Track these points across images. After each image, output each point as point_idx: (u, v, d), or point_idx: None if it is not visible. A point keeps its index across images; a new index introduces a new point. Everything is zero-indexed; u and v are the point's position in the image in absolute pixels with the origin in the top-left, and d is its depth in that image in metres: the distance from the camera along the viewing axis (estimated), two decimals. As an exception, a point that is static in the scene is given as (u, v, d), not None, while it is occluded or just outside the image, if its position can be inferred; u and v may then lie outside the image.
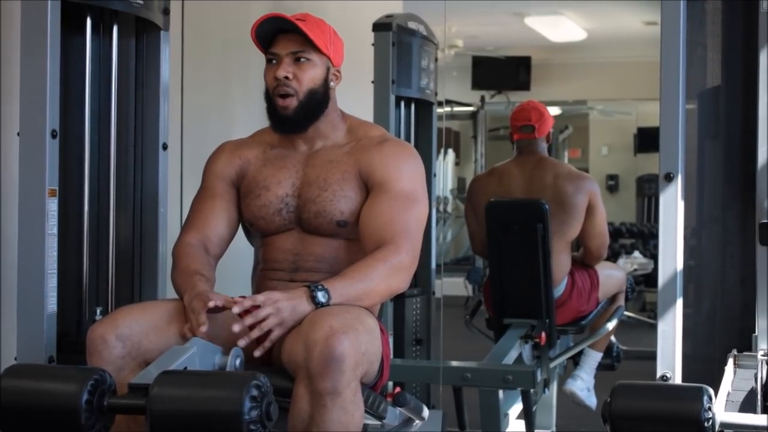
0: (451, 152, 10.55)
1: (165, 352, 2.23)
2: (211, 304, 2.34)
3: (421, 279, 4.23)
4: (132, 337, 2.33)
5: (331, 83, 2.66)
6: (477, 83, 10.78)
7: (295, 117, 2.62)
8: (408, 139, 4.22)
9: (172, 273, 2.60)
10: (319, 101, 2.64)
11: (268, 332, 2.32)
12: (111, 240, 2.84)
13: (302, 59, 2.61)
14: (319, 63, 2.63)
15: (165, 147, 2.96)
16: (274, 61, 2.63)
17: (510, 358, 3.84)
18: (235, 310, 2.31)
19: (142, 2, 2.82)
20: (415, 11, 4.28)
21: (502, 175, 4.34)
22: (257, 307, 2.32)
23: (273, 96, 2.62)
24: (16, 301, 2.56)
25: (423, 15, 4.26)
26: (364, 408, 2.32)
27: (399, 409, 2.60)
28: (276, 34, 2.63)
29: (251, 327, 2.31)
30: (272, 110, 2.64)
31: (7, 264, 2.94)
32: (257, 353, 2.32)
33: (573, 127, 11.01)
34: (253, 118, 3.66)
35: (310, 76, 2.61)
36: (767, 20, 3.01)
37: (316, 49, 2.61)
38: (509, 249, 4.02)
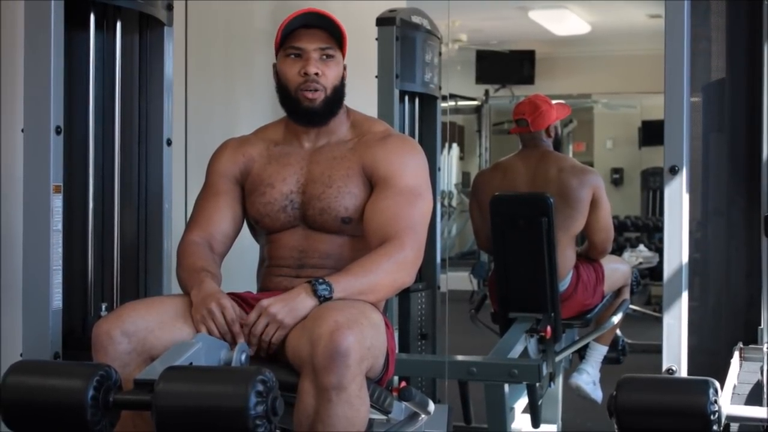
0: (455, 147, 10.52)
1: (170, 348, 2.23)
2: (235, 328, 2.36)
3: (426, 274, 4.23)
4: (137, 333, 2.33)
5: (344, 80, 2.67)
6: (481, 77, 10.75)
7: (321, 111, 2.63)
8: (412, 133, 4.22)
9: (177, 270, 2.60)
10: (340, 98, 2.67)
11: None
12: (116, 236, 2.84)
13: (328, 56, 2.61)
14: (339, 60, 2.65)
15: (169, 143, 2.97)
16: (293, 56, 2.62)
17: (515, 352, 3.83)
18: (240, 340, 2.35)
19: (145, -2, 2.82)
20: (418, 5, 4.28)
21: (506, 170, 4.34)
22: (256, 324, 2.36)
23: (296, 91, 2.61)
24: (21, 298, 2.56)
25: (426, 9, 4.26)
26: (370, 403, 2.33)
27: (404, 403, 2.59)
28: (295, 29, 2.62)
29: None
30: (294, 104, 2.63)
31: (13, 260, 2.94)
32: (251, 351, 2.34)
33: (577, 121, 10.97)
34: (258, 114, 3.66)
35: (335, 73, 2.63)
36: (771, 13, 3.01)
37: (339, 46, 2.62)
38: (514, 243, 4.02)
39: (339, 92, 2.65)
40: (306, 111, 2.63)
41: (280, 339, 2.35)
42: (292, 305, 2.35)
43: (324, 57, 2.61)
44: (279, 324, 2.33)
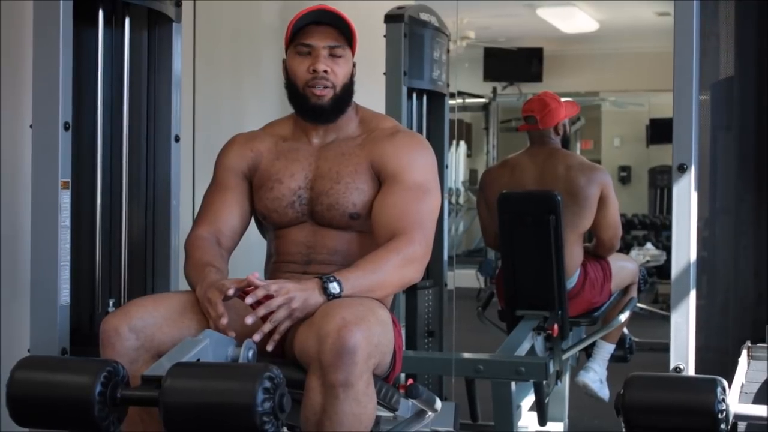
0: (462, 144, 10.52)
1: (178, 344, 2.23)
2: (230, 292, 2.34)
3: (434, 271, 4.23)
4: (145, 329, 2.33)
5: (354, 77, 2.67)
6: (489, 75, 10.75)
7: (330, 108, 2.63)
8: (420, 130, 4.22)
9: (184, 266, 2.60)
10: (349, 96, 2.66)
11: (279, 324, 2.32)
12: (123, 232, 2.85)
13: (337, 54, 2.61)
14: (349, 58, 2.65)
15: (177, 139, 2.97)
16: (303, 53, 2.62)
17: (522, 349, 3.83)
18: (248, 300, 2.32)
19: (153, -6, 2.82)
20: (427, 3, 4.28)
21: (514, 167, 4.33)
22: (270, 296, 2.32)
23: (304, 88, 2.61)
24: (29, 294, 2.57)
25: (435, 6, 4.25)
26: (377, 400, 2.33)
27: (411, 400, 2.60)
28: (305, 26, 2.62)
29: (263, 318, 2.31)
30: (302, 100, 2.63)
31: (21, 256, 2.95)
32: (269, 347, 2.32)
33: (585, 119, 10.96)
34: (266, 110, 3.66)
35: (345, 71, 2.63)
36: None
37: (349, 44, 2.62)
38: (522, 241, 4.02)
39: (348, 90, 2.65)
40: (314, 108, 2.63)
41: (285, 330, 2.33)
42: (307, 297, 2.34)
43: (333, 55, 2.61)
44: (290, 312, 2.31)
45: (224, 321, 2.31)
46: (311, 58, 2.61)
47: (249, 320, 2.29)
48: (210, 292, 2.37)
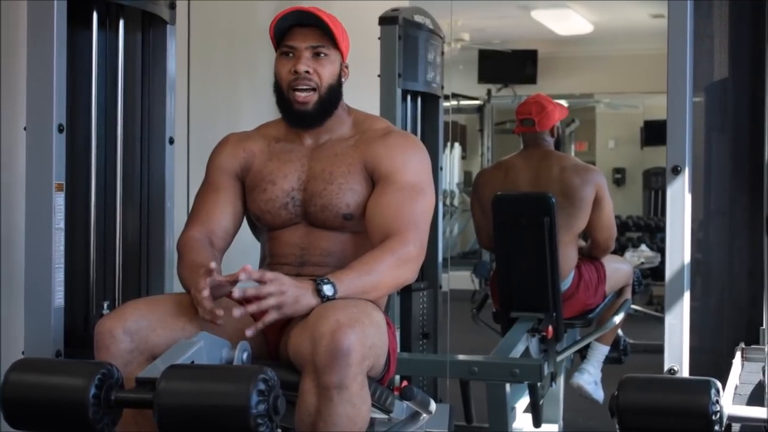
0: (457, 146, 10.53)
1: (172, 346, 2.23)
2: (212, 265, 2.33)
3: (428, 273, 4.23)
4: (139, 332, 2.33)
5: (343, 78, 2.66)
6: (483, 77, 10.76)
7: (315, 113, 2.61)
8: (414, 132, 4.22)
9: (177, 267, 2.59)
10: (336, 97, 2.65)
11: (264, 313, 2.30)
12: (118, 234, 2.84)
13: (321, 54, 2.61)
14: (335, 58, 2.63)
15: (171, 141, 2.97)
16: (290, 55, 2.62)
17: (517, 351, 3.83)
18: (242, 276, 2.30)
19: (148, -4, 2.82)
20: (421, 5, 4.28)
21: (508, 169, 4.34)
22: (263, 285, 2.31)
23: (288, 90, 2.61)
24: (23, 296, 2.56)
25: (429, 8, 4.26)
26: (371, 402, 2.32)
27: (406, 402, 2.59)
28: (290, 28, 2.62)
29: (251, 300, 2.30)
30: (287, 104, 2.63)
31: (15, 258, 2.94)
32: (248, 332, 2.28)
33: (580, 121, 10.98)
34: (261, 112, 3.65)
35: (329, 71, 2.61)
36: (775, 12, 3.00)
37: (334, 45, 2.61)
38: (516, 242, 4.02)
39: (335, 91, 2.64)
40: (297, 114, 2.62)
41: (270, 321, 2.31)
42: (299, 295, 2.32)
43: (317, 55, 2.61)
44: (279, 303, 2.29)
45: (206, 294, 2.29)
46: (294, 59, 2.61)
47: (236, 293, 2.29)
48: (200, 283, 2.35)
